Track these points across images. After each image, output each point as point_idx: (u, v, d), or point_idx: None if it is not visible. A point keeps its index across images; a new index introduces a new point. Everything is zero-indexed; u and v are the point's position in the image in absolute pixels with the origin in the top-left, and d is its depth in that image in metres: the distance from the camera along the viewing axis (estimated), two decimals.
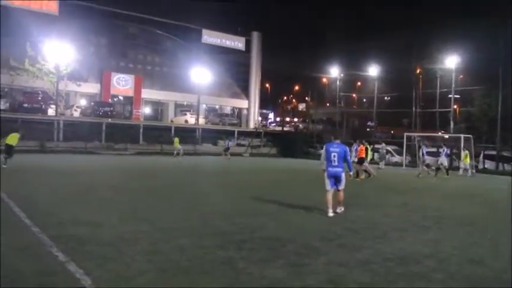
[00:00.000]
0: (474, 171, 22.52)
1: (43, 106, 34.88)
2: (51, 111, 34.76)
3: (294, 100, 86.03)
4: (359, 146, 17.34)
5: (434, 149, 24.25)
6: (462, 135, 25.24)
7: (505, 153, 27.15)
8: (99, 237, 5.86)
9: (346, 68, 44.96)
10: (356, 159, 16.51)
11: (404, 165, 27.19)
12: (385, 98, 45.85)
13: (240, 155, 35.09)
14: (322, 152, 8.61)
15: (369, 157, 18.36)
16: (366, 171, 17.00)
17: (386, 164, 26.03)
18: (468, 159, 21.72)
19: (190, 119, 42.09)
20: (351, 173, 9.19)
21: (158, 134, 35.41)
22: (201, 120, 42.96)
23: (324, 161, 8.29)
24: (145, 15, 43.71)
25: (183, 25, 45.91)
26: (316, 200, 9.14)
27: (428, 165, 20.60)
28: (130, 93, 43.61)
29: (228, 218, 7.61)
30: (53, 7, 37.78)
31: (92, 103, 39.55)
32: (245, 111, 50.91)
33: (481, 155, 27.25)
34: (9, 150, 16.00)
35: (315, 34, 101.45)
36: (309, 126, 47.01)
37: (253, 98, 49.75)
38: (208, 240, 5.90)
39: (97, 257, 4.89)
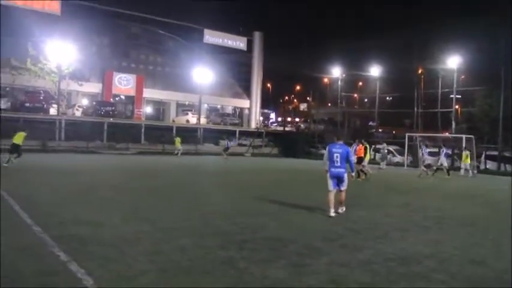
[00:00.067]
0: (475, 171, 22.49)
1: (45, 105, 34.90)
2: (53, 111, 34.79)
3: (295, 100, 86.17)
4: (358, 145, 17.34)
5: (435, 149, 24.22)
6: (464, 136, 25.23)
7: (506, 154, 27.14)
8: (100, 237, 5.87)
9: (348, 68, 45.05)
10: (355, 159, 16.42)
11: (405, 166, 27.18)
12: (387, 98, 45.79)
13: (241, 154, 35.13)
14: (325, 152, 8.69)
15: (368, 157, 18.33)
16: (362, 170, 16.94)
17: (387, 164, 26.04)
18: (469, 160, 21.66)
19: (192, 119, 42.08)
20: (353, 174, 9.22)
21: (160, 134, 35.46)
22: (203, 120, 43.01)
23: (327, 162, 8.33)
24: (148, 15, 43.71)
25: (185, 25, 45.87)
26: (317, 200, 9.16)
27: (429, 166, 20.57)
28: (132, 93, 43.70)
29: (229, 218, 7.62)
30: (55, 7, 37.78)
31: (94, 103, 39.54)
32: (247, 111, 50.89)
33: (483, 156, 27.22)
34: (17, 150, 15.85)
35: (315, 34, 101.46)
36: (311, 126, 47.05)
37: (254, 97, 49.69)
38: (210, 240, 5.90)
39: (99, 257, 4.90)
